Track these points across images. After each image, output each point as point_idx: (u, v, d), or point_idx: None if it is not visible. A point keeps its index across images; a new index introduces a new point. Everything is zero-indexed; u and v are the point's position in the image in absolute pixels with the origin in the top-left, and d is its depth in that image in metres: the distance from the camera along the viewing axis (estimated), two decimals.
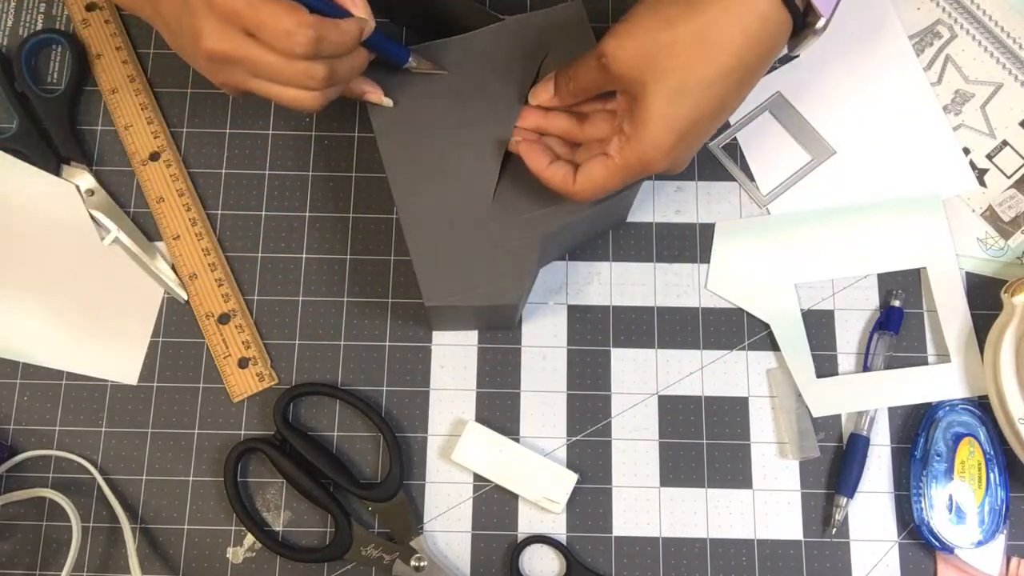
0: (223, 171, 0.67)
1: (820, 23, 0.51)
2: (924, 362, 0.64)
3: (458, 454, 0.62)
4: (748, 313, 0.65)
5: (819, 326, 0.65)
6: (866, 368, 0.64)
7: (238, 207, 0.67)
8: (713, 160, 0.68)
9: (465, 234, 0.57)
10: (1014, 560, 0.61)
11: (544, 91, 0.57)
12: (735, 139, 0.68)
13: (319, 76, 0.51)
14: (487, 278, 0.57)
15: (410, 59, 0.57)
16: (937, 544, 0.60)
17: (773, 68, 0.69)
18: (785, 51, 0.53)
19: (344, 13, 0.51)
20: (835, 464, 0.63)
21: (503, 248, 0.57)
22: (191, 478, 0.62)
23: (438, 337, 0.65)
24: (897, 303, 0.64)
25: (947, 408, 0.62)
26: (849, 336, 0.65)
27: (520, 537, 0.61)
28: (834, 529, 0.61)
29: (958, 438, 0.61)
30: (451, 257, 0.57)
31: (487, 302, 0.57)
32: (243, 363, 0.63)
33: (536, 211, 0.57)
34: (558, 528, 0.62)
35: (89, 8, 0.69)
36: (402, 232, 0.66)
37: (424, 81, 0.58)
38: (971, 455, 0.61)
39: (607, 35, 0.51)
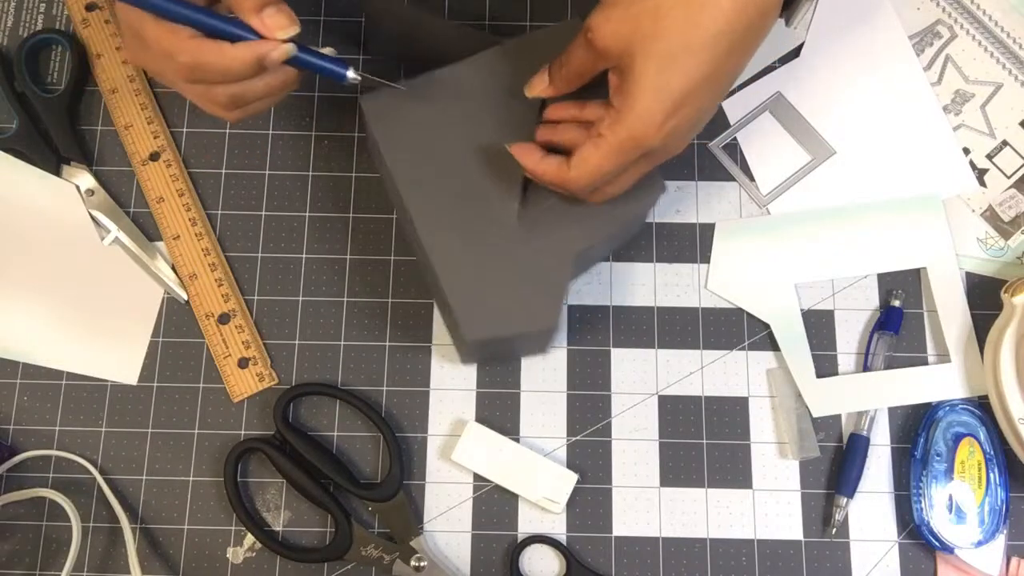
0: (223, 171, 0.67)
1: None
2: (924, 362, 0.64)
3: (458, 454, 0.62)
4: (748, 313, 0.65)
5: (819, 326, 0.65)
6: (866, 368, 0.64)
7: (238, 207, 0.67)
8: (713, 160, 0.68)
9: (495, 261, 0.56)
10: (1014, 560, 0.61)
11: (539, 82, 0.55)
12: (735, 139, 0.68)
13: (219, 100, 0.50)
14: (523, 304, 0.56)
15: (350, 73, 0.53)
16: (937, 544, 0.60)
17: (773, 68, 0.69)
18: (784, 25, 0.52)
19: (254, 36, 0.50)
20: (835, 464, 0.63)
21: (535, 271, 0.56)
22: (191, 478, 0.62)
23: (438, 337, 0.65)
24: (897, 303, 0.64)
25: (947, 408, 0.62)
26: (849, 336, 0.65)
27: (520, 537, 0.61)
28: (834, 529, 0.61)
29: (958, 438, 0.61)
30: (485, 287, 0.56)
31: (527, 328, 0.56)
32: (243, 363, 0.63)
33: (562, 229, 0.57)
34: (558, 528, 0.62)
35: (89, 8, 0.69)
36: (398, 233, 0.66)
37: (434, 113, 0.58)
38: (971, 455, 0.61)
39: (593, 11, 0.50)
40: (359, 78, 0.54)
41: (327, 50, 0.53)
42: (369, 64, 0.69)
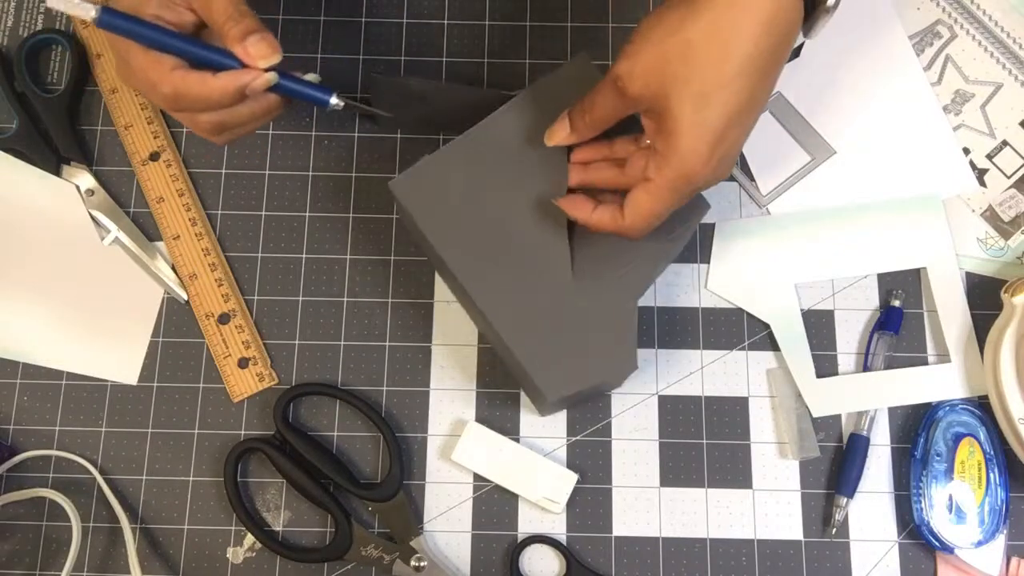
0: (223, 171, 0.67)
1: (831, 0, 0.49)
2: (924, 362, 0.64)
3: (458, 454, 0.62)
4: (748, 313, 0.65)
5: (819, 326, 0.65)
6: (866, 368, 0.64)
7: (238, 207, 0.67)
8: None
9: (559, 317, 0.56)
10: (1014, 560, 0.61)
11: (560, 130, 0.55)
12: None
13: (203, 127, 0.51)
14: (598, 353, 0.55)
15: (333, 99, 0.53)
16: (937, 544, 0.60)
17: None
18: (801, 37, 0.52)
19: (238, 64, 0.51)
20: (835, 464, 0.63)
21: (601, 318, 0.56)
22: (191, 478, 0.62)
23: (438, 337, 0.65)
24: (897, 303, 0.64)
25: (947, 408, 0.62)
26: (849, 336, 0.65)
27: (520, 537, 0.61)
28: (834, 529, 0.61)
29: (958, 438, 0.61)
30: (556, 345, 0.55)
31: (607, 376, 0.56)
32: (243, 363, 0.63)
33: (618, 271, 0.56)
34: (558, 528, 0.62)
35: None
36: (398, 234, 0.66)
37: (464, 180, 0.57)
38: (971, 455, 0.61)
39: (617, 58, 0.50)
40: (342, 104, 0.54)
41: (310, 76, 0.53)
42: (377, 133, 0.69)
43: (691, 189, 0.50)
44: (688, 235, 0.59)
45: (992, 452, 0.61)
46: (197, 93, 0.50)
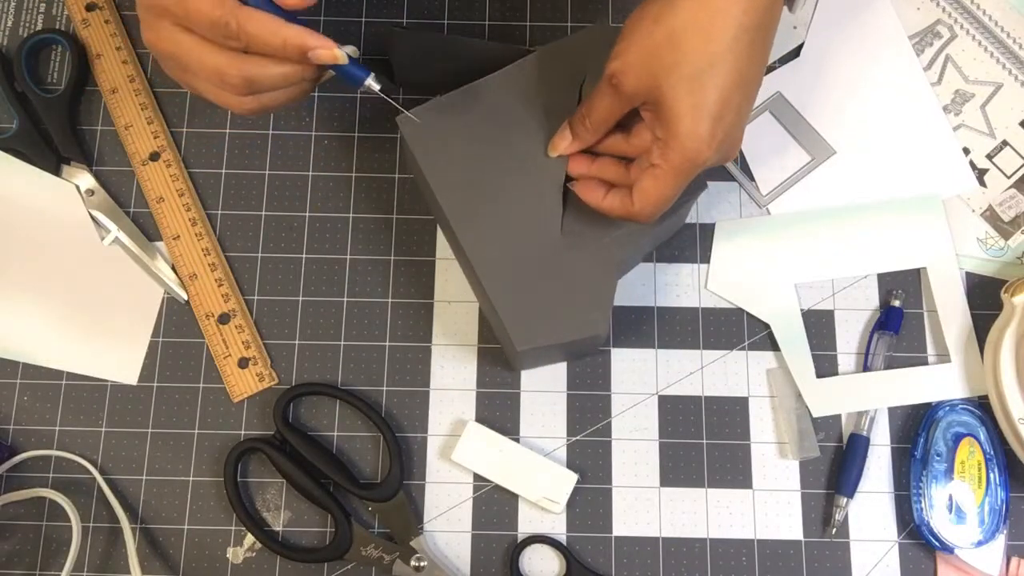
0: (223, 171, 0.67)
1: None
2: (924, 362, 0.64)
3: (458, 454, 0.62)
4: (748, 313, 0.65)
5: (819, 326, 0.65)
6: (866, 368, 0.64)
7: (238, 207, 0.67)
8: None
9: (541, 272, 0.57)
10: (1014, 560, 0.61)
11: (562, 140, 0.57)
12: None
13: (233, 82, 0.50)
14: (573, 312, 0.56)
15: (369, 79, 0.53)
16: (937, 544, 0.60)
17: (773, 68, 0.69)
18: (788, 11, 0.52)
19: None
20: (835, 464, 0.63)
21: (581, 279, 0.57)
22: (191, 478, 0.62)
23: (438, 337, 0.65)
24: (897, 303, 0.64)
25: (947, 408, 0.62)
26: (849, 336, 0.65)
27: (520, 537, 0.61)
28: (834, 529, 0.61)
29: (958, 438, 0.61)
30: (533, 298, 0.56)
31: (577, 336, 0.56)
32: (243, 363, 0.64)
33: (606, 235, 0.57)
34: (558, 528, 0.62)
35: (89, 8, 0.69)
36: (398, 233, 0.66)
37: (471, 127, 0.58)
38: (971, 455, 0.61)
39: (609, 61, 0.51)
40: (377, 87, 0.53)
41: (349, 48, 0.52)
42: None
43: (696, 169, 0.51)
44: (685, 214, 0.60)
45: (992, 452, 0.61)
46: (261, 33, 0.49)
